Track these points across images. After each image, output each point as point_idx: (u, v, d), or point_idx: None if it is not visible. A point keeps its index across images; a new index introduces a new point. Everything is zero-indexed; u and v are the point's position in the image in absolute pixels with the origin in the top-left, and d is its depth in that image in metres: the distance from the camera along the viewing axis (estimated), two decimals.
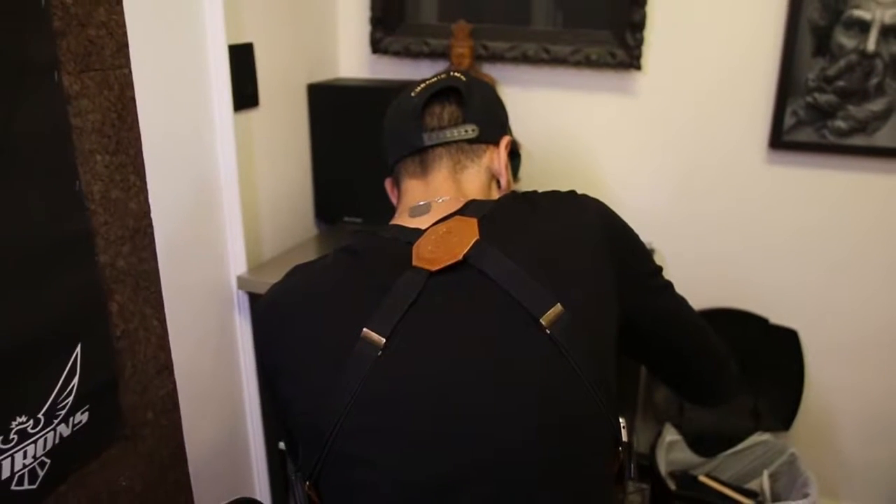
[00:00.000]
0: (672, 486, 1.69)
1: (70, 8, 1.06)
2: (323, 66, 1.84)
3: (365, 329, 0.78)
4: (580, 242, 0.85)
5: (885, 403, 1.78)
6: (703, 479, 1.76)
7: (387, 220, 1.80)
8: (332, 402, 0.77)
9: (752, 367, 1.75)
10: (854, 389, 1.79)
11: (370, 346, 0.77)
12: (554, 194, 0.91)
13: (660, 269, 0.93)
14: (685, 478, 1.77)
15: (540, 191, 0.92)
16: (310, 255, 1.66)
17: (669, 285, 0.94)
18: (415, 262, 0.82)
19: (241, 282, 1.52)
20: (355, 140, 1.74)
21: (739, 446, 1.78)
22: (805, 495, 1.56)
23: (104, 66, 1.13)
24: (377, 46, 1.83)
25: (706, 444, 1.80)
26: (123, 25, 1.16)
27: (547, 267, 0.81)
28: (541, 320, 0.76)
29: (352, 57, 1.90)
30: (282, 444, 0.97)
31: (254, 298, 1.53)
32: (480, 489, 0.74)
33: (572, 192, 0.91)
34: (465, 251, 0.81)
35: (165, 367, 1.37)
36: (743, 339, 1.75)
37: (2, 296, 1.00)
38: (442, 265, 0.80)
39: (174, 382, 1.39)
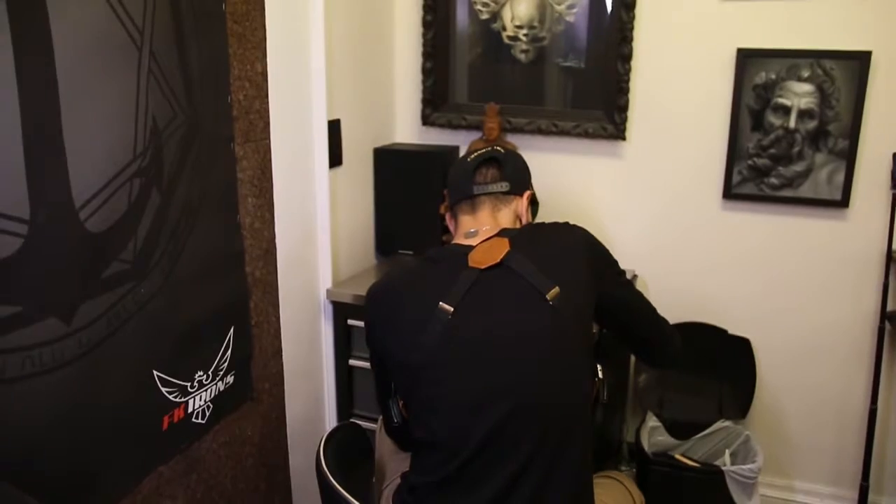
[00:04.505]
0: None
1: (242, 102, 1.60)
2: (384, 133, 2.34)
3: (440, 303, 1.26)
4: (571, 252, 1.34)
5: (821, 397, 2.17)
6: (678, 456, 2.17)
7: None
8: (418, 348, 1.26)
9: (713, 367, 2.20)
10: (796, 385, 2.19)
11: (444, 312, 1.25)
12: (555, 224, 1.41)
13: (623, 272, 1.43)
14: (663, 456, 2.16)
15: (546, 222, 1.43)
16: (372, 277, 2.16)
17: (630, 283, 1.44)
18: (470, 264, 1.30)
19: (328, 293, 2.02)
20: (408, 191, 2.22)
21: (706, 431, 2.17)
22: (753, 461, 2.01)
23: (256, 139, 1.68)
24: (426, 120, 2.33)
25: (680, 428, 2.19)
26: (268, 111, 1.70)
27: (550, 266, 1.29)
28: (546, 296, 1.25)
29: (406, 127, 2.38)
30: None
31: (336, 306, 2.03)
32: (513, 399, 1.21)
33: (566, 223, 1.42)
34: (502, 257, 1.29)
35: (278, 352, 1.85)
36: (706, 347, 2.17)
37: (198, 289, 1.51)
38: (487, 265, 1.29)
39: (282, 363, 1.87)
